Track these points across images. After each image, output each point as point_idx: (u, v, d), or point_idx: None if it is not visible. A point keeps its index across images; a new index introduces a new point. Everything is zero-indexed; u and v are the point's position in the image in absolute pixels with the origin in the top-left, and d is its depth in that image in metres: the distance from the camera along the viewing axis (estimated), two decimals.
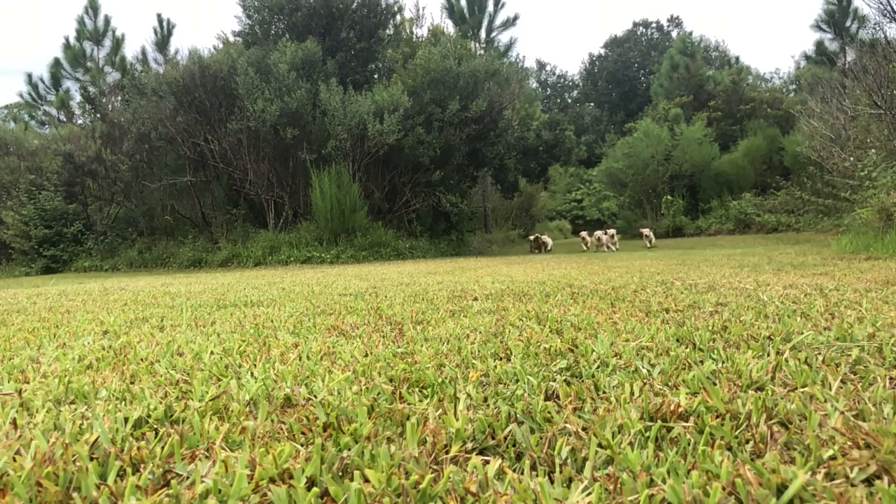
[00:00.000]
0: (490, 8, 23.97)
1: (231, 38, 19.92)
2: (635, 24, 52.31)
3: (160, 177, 17.97)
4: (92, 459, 1.13)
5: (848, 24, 22.89)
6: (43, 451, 1.16)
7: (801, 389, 1.45)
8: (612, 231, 17.11)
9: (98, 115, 19.63)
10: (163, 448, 1.18)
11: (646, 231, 17.45)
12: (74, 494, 0.98)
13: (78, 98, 21.47)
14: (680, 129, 26.21)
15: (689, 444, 1.13)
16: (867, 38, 16.51)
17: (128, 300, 5.08)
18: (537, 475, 1.03)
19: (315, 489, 0.96)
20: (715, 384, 1.53)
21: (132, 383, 1.83)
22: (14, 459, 1.13)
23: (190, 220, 18.58)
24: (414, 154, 16.83)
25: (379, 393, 1.58)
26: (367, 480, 1.01)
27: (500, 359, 2.00)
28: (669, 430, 1.22)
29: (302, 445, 1.21)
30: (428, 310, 3.45)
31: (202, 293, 5.58)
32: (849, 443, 1.09)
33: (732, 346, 2.03)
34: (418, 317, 3.17)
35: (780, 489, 0.91)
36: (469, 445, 1.18)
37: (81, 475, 1.03)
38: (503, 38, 25.38)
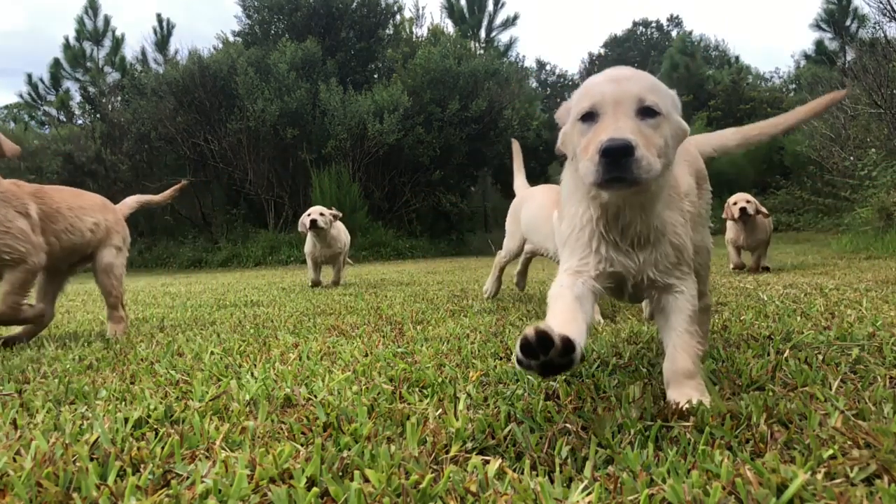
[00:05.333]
0: (490, 8, 23.95)
1: (231, 38, 19.90)
2: (635, 24, 52.29)
3: (160, 177, 17.94)
4: (92, 460, 1.13)
5: (848, 23, 22.87)
6: (43, 451, 1.16)
7: (801, 389, 1.46)
8: None
9: (98, 115, 19.60)
10: (163, 448, 1.18)
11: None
12: (74, 495, 0.98)
13: (78, 98, 21.43)
14: None
15: (689, 444, 1.13)
16: (867, 37, 16.49)
17: (128, 300, 5.08)
18: (537, 475, 1.03)
19: (315, 489, 0.96)
20: (715, 384, 1.53)
21: (132, 383, 1.83)
22: (14, 460, 1.13)
23: (190, 220, 18.57)
24: (414, 154, 16.82)
25: (379, 393, 1.58)
26: (367, 480, 1.01)
27: (501, 358, 2.00)
28: (669, 429, 1.22)
29: (302, 445, 1.21)
30: (428, 309, 3.45)
31: (202, 293, 5.59)
32: (849, 442, 1.09)
33: (732, 345, 2.03)
34: (418, 316, 3.17)
35: (780, 489, 0.91)
36: (469, 445, 1.18)
37: (81, 475, 1.03)
38: (503, 37, 25.29)
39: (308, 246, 5.85)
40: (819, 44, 24.22)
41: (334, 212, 5.83)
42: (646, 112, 1.31)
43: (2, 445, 1.24)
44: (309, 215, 5.63)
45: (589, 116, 1.34)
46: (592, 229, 1.47)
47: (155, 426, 1.38)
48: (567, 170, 1.56)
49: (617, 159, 1.21)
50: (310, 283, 5.86)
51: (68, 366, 2.12)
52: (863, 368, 1.61)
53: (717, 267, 6.24)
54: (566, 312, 1.35)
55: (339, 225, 5.96)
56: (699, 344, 1.48)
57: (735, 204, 5.25)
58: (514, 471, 1.05)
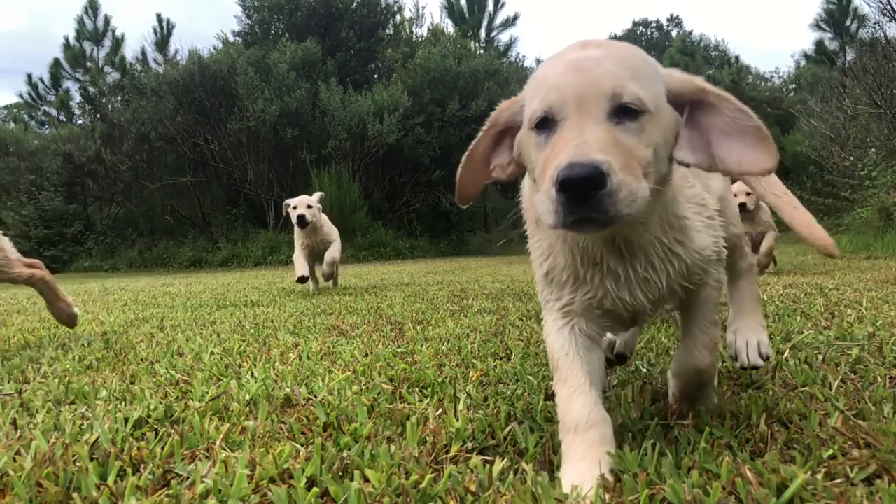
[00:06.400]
0: (490, 7, 23.97)
1: (231, 38, 19.92)
2: (635, 24, 52.33)
3: (160, 177, 17.96)
4: (92, 460, 1.13)
5: (848, 23, 22.87)
6: (43, 451, 1.16)
7: (801, 388, 1.45)
8: None
9: (98, 115, 19.62)
10: (163, 448, 1.18)
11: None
12: (74, 495, 0.98)
13: (78, 98, 21.47)
14: None
15: (689, 444, 1.13)
16: (867, 37, 16.51)
17: (128, 300, 5.08)
18: (538, 475, 1.03)
19: (315, 489, 0.96)
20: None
21: (132, 383, 1.83)
22: (14, 460, 1.13)
23: (190, 220, 18.58)
24: (414, 154, 16.83)
25: (379, 393, 1.58)
26: (367, 480, 1.01)
27: (501, 358, 2.00)
28: (669, 429, 1.22)
29: (302, 445, 1.21)
30: (428, 309, 3.45)
31: (202, 293, 5.59)
32: (849, 442, 1.09)
33: None
34: (418, 316, 3.17)
35: (780, 489, 0.91)
36: (469, 445, 1.18)
37: (81, 475, 1.03)
38: (503, 37, 25.32)
39: (297, 233, 5.08)
40: (819, 44, 24.20)
41: (319, 196, 5.12)
42: (624, 112, 0.94)
43: (2, 445, 1.24)
44: (295, 208, 4.91)
45: (544, 123, 0.98)
46: (576, 264, 1.14)
47: (155, 426, 1.37)
48: (528, 184, 1.22)
49: (582, 193, 0.87)
50: (297, 278, 4.84)
51: (68, 366, 2.12)
52: (863, 368, 1.61)
53: None
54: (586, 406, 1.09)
55: (325, 219, 5.28)
56: (716, 335, 1.28)
57: (735, 196, 5.14)
58: (515, 471, 1.05)
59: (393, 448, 1.13)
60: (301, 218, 4.87)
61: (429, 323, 2.92)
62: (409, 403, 1.49)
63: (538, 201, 0.94)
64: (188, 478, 1.06)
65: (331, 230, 5.22)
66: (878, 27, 12.78)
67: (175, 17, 48.51)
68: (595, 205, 0.87)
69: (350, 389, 1.62)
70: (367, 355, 2.11)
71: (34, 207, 18.00)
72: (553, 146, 0.95)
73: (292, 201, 5.03)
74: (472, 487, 0.96)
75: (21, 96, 23.16)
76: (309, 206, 4.92)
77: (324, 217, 5.23)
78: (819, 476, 0.93)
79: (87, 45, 21.88)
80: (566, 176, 0.86)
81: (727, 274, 1.49)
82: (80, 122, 21.46)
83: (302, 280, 4.85)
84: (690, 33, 37.11)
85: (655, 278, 1.12)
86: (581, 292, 1.14)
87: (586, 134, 0.91)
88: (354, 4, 19.04)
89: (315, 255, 5.17)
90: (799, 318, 2.49)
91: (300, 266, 4.89)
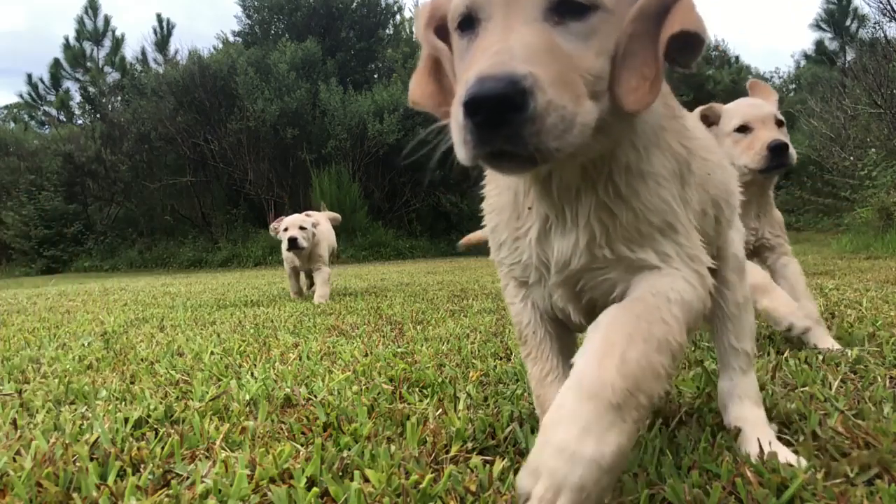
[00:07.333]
0: None
1: (231, 38, 19.94)
2: None
3: (160, 177, 17.96)
4: (92, 460, 1.13)
5: (848, 23, 22.88)
6: (43, 451, 1.16)
7: (801, 389, 1.45)
8: None
9: (98, 115, 19.62)
10: (163, 448, 1.18)
11: None
12: (74, 495, 0.98)
13: (78, 98, 21.47)
14: None
15: (689, 444, 1.13)
16: (867, 37, 16.53)
17: (128, 300, 5.08)
18: None
19: (315, 489, 0.96)
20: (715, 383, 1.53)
21: (132, 383, 1.83)
22: (14, 459, 1.13)
23: (190, 220, 18.58)
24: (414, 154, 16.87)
25: (379, 393, 1.58)
26: (367, 480, 1.01)
27: (501, 358, 2.00)
28: (669, 429, 1.22)
29: (302, 445, 1.21)
30: (428, 309, 3.45)
31: (202, 293, 5.58)
32: (849, 442, 1.09)
33: None
34: (418, 316, 3.17)
35: (780, 489, 0.91)
36: (469, 445, 1.18)
37: (81, 475, 1.03)
38: None
39: (286, 255, 4.54)
40: (819, 44, 24.20)
41: (315, 219, 4.48)
42: (567, 8, 0.72)
43: (2, 445, 1.24)
44: (286, 230, 4.33)
45: (468, 23, 0.77)
46: (515, 218, 0.93)
47: (155, 426, 1.37)
48: None
49: (498, 117, 0.65)
50: (291, 295, 4.68)
51: (68, 366, 2.12)
52: (863, 368, 1.61)
53: None
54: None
55: (324, 226, 4.70)
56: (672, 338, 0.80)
57: None
58: (516, 471, 1.05)
59: (393, 448, 1.13)
60: (293, 241, 4.26)
61: (429, 323, 2.92)
62: (409, 403, 1.49)
63: (451, 128, 0.71)
64: (188, 478, 1.06)
65: (325, 250, 4.59)
66: (878, 27, 12.79)
67: (175, 17, 48.49)
68: (513, 134, 0.65)
69: (350, 389, 1.62)
70: (367, 355, 2.11)
71: (34, 207, 17.99)
72: (472, 54, 0.73)
73: (283, 222, 4.44)
74: (472, 487, 0.96)
75: (21, 96, 23.15)
76: (302, 228, 4.32)
77: (322, 229, 4.60)
78: (819, 476, 0.93)
79: (87, 45, 21.87)
80: (473, 94, 0.64)
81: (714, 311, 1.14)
82: (80, 122, 21.45)
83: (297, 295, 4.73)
84: None
85: (572, 241, 0.85)
86: (512, 256, 0.95)
87: (511, 37, 0.69)
88: (354, 4, 19.06)
89: (307, 274, 4.76)
90: None
91: (293, 292, 4.75)
